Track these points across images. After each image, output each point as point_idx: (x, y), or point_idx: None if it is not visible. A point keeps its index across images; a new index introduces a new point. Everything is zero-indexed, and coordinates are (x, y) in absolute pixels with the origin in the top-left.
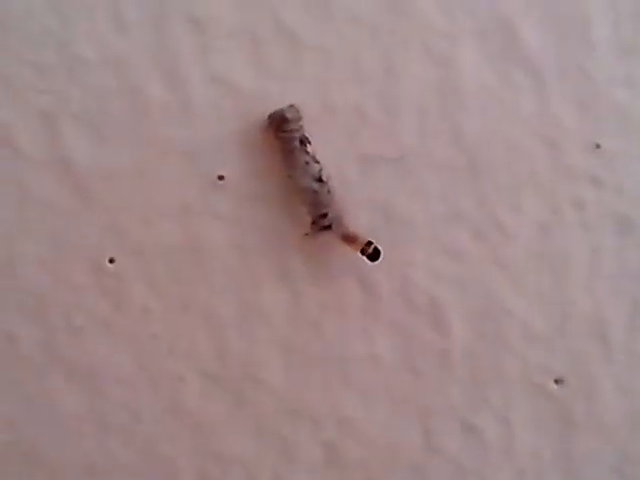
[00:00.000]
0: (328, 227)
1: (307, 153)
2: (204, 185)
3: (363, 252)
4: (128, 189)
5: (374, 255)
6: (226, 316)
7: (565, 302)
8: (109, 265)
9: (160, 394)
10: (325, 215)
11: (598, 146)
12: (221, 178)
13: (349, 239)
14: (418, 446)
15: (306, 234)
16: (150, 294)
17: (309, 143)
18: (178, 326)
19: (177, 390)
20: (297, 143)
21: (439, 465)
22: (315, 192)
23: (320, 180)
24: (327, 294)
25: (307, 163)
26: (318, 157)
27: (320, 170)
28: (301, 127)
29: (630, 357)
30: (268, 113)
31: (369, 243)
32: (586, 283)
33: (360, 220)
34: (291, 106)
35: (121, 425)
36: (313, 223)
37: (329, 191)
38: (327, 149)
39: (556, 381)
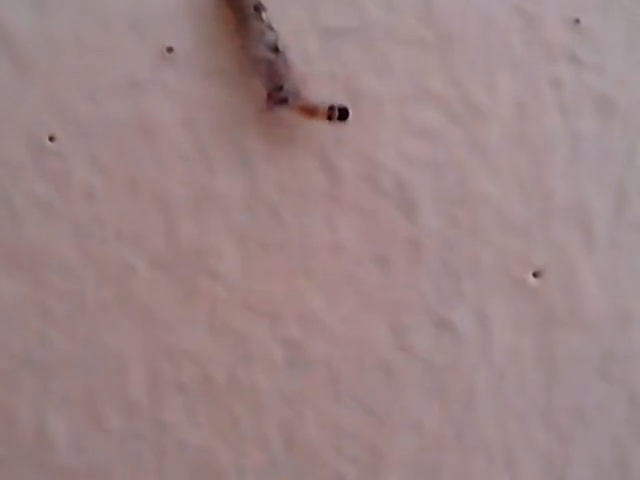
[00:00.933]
0: (284, 100)
1: (262, 21)
2: (152, 58)
3: (330, 118)
4: (70, 62)
5: (343, 114)
6: (177, 200)
7: (544, 188)
8: (49, 143)
9: (106, 283)
10: (281, 87)
11: (577, 21)
12: (170, 50)
13: (309, 111)
14: (387, 343)
15: (261, 109)
16: (94, 175)
17: (264, 10)
18: (125, 210)
19: (124, 279)
20: (251, 10)
21: (410, 364)
22: (270, 62)
23: (276, 50)
24: (286, 176)
25: (262, 32)
26: (274, 26)
27: (276, 39)
28: None
29: (614, 247)
30: None
31: (331, 107)
32: (566, 168)
33: (320, 96)
34: None
35: (64, 315)
36: (269, 97)
37: (286, 62)
38: (285, 20)
39: (535, 274)
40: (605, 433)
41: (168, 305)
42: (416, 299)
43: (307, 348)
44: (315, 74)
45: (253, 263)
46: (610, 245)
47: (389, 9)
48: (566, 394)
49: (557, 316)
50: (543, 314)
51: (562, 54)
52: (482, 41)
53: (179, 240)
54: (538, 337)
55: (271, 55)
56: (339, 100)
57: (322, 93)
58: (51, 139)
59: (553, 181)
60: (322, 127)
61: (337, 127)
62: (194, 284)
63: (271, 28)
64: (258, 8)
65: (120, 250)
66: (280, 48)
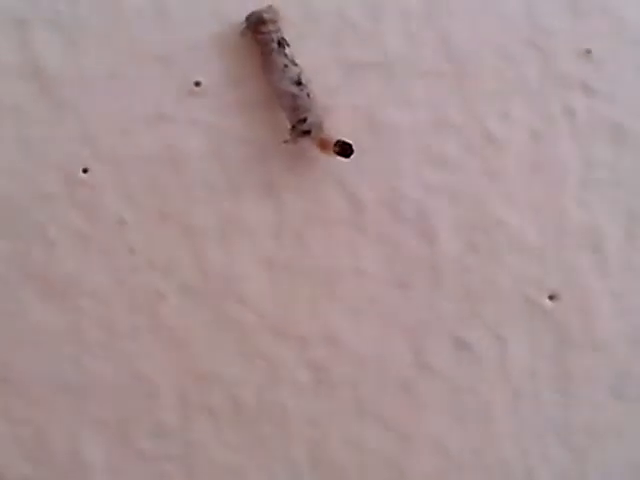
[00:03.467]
0: (307, 132)
1: (285, 55)
2: (180, 92)
3: (337, 153)
4: (102, 97)
5: (344, 150)
6: (205, 228)
7: (558, 213)
8: (83, 175)
9: (138, 310)
10: (304, 120)
11: (589, 51)
12: (198, 84)
13: (323, 144)
14: (408, 363)
15: (285, 141)
16: (126, 205)
17: (287, 45)
18: (155, 239)
19: (155, 305)
20: (275, 45)
21: (430, 383)
22: (294, 96)
23: (299, 83)
24: (310, 205)
25: (286, 66)
26: (298, 61)
27: (299, 73)
28: (279, 29)
29: (627, 270)
30: (245, 14)
31: (337, 142)
32: (579, 193)
33: (342, 127)
34: (269, 7)
35: (97, 341)
36: (292, 128)
37: (309, 95)
38: (308, 54)
39: (550, 297)
40: (620, 452)
41: (197, 330)
42: (436, 321)
43: (332, 370)
44: (337, 106)
45: (280, 288)
46: (623, 267)
47: (409, 43)
48: (581, 413)
49: (572, 337)
50: (558, 335)
51: (574, 84)
52: (497, 72)
53: (208, 267)
54: (554, 358)
55: (294, 88)
56: (360, 131)
57: (344, 125)
58: (85, 171)
59: (567, 206)
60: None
61: (358, 157)
62: (223, 309)
63: (294, 63)
64: (281, 44)
65: (150, 277)
66: (303, 81)
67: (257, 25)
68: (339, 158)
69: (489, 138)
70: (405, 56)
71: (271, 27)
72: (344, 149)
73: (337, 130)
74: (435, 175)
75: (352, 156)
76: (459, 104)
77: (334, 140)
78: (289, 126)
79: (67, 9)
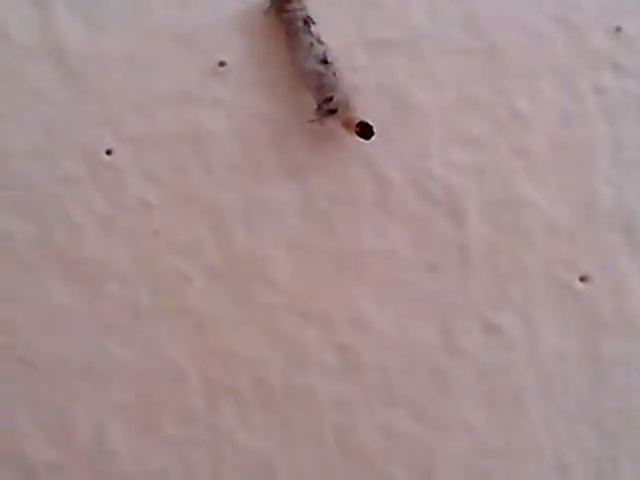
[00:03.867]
0: (334, 111)
1: (311, 34)
2: (204, 72)
3: (358, 134)
4: (124, 77)
5: (364, 132)
6: (230, 210)
7: (588, 193)
8: (106, 157)
9: (162, 293)
10: (331, 99)
11: (619, 29)
12: (222, 64)
13: (347, 124)
14: (437, 347)
15: (311, 120)
16: (150, 187)
17: (313, 23)
18: (179, 221)
19: (179, 288)
20: (300, 23)
21: (460, 368)
22: (320, 74)
23: (325, 62)
24: (336, 185)
25: (311, 44)
26: (323, 39)
27: (325, 51)
28: (304, 7)
29: None
30: None
31: (359, 122)
32: (610, 173)
33: (369, 106)
34: None
35: (121, 325)
36: (318, 108)
37: (334, 73)
38: (333, 33)
39: (581, 278)
40: None
41: (222, 312)
42: (465, 304)
43: (360, 353)
44: (364, 85)
45: (306, 270)
46: None
47: (434, 21)
48: (613, 396)
49: (604, 319)
50: (590, 317)
51: (604, 62)
52: (525, 50)
53: (232, 249)
54: (585, 340)
55: (320, 67)
56: (387, 111)
57: (371, 104)
58: (108, 153)
59: (597, 186)
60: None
61: (385, 136)
62: (248, 292)
63: (320, 41)
64: (307, 22)
65: (175, 260)
66: (329, 60)
67: (281, 4)
68: (359, 139)
69: (518, 117)
70: (431, 34)
71: (296, 5)
72: (365, 130)
73: (363, 109)
74: (463, 154)
75: (372, 138)
76: (487, 82)
77: (355, 119)
78: (315, 105)
79: None
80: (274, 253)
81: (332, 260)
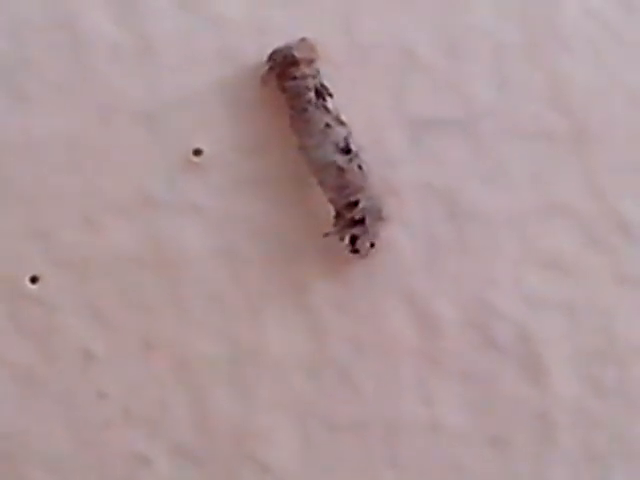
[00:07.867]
0: (360, 222)
1: (327, 110)
2: (173, 164)
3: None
4: (60, 174)
5: (352, 243)
6: (210, 362)
7: None
8: (31, 286)
9: None
10: (356, 203)
11: None
12: (198, 153)
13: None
14: None
15: (326, 234)
16: (92, 330)
17: (330, 96)
18: (137, 379)
19: (134, 475)
20: (311, 95)
21: None
22: (340, 168)
23: (347, 151)
24: (362, 327)
25: (327, 125)
26: (344, 118)
27: (347, 136)
28: (317, 72)
29: None
30: (268, 52)
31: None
32: None
33: (410, 215)
34: (302, 40)
35: None
36: (337, 216)
37: (360, 167)
38: (359, 108)
39: None
40: None
41: None
42: None
43: None
44: (401, 181)
45: (317, 451)
46: None
47: (503, 92)
48: None
49: None
50: None
51: None
52: (634, 136)
53: (212, 421)
54: None
55: (340, 158)
56: (436, 221)
57: (413, 212)
58: (33, 280)
59: None
60: (412, 257)
61: (432, 259)
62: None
63: (340, 121)
64: (321, 93)
65: (129, 435)
66: (353, 148)
67: (285, 67)
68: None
69: (622, 230)
70: (499, 110)
71: (306, 70)
72: (352, 245)
73: (403, 218)
74: (544, 282)
75: (367, 254)
76: (578, 180)
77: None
78: (332, 213)
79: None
80: (273, 425)
81: (355, 435)
